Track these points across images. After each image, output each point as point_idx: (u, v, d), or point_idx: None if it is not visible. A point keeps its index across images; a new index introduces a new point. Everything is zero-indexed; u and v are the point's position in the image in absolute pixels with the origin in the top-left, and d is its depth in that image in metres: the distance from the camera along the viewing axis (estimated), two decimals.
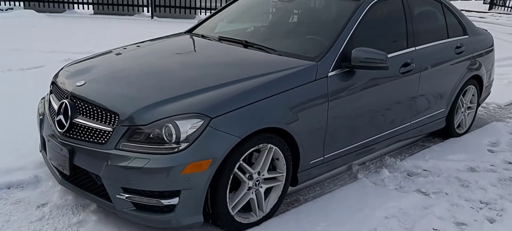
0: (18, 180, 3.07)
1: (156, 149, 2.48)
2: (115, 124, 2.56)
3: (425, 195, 3.38)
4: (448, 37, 4.24)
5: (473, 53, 4.45)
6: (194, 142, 2.48)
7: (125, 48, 3.67)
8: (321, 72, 3.06)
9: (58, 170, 2.84)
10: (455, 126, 4.54)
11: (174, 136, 2.47)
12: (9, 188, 3.01)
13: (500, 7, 19.79)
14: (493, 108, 5.79)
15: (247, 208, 2.82)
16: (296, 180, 3.06)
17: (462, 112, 4.59)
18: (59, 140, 2.75)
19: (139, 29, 9.74)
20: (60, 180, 2.82)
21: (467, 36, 4.46)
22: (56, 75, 3.24)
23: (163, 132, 2.49)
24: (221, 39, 3.67)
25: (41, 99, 3.39)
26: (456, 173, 3.78)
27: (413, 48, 3.78)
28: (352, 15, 3.39)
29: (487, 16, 17.85)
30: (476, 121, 5.03)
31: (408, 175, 3.70)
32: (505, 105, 5.92)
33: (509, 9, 19.25)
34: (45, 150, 3.10)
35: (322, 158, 3.18)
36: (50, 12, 11.73)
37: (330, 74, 3.10)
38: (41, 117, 3.14)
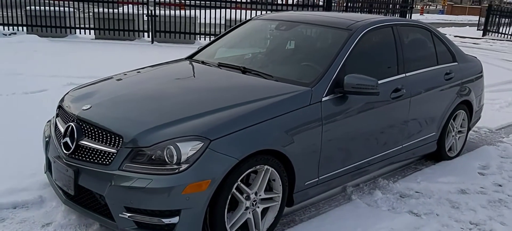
0: (23, 200, 3.18)
1: (158, 170, 2.61)
2: (119, 145, 2.70)
3: (417, 215, 3.50)
4: (438, 64, 4.42)
5: (462, 79, 4.62)
6: (194, 163, 2.61)
7: (126, 74, 3.83)
8: (315, 97, 3.21)
9: (62, 190, 2.96)
10: (447, 149, 4.68)
11: (175, 157, 2.60)
12: (14, 208, 3.12)
13: (493, 33, 20.18)
14: (485, 132, 5.94)
15: (244, 227, 2.93)
16: (292, 200, 3.18)
17: (453, 136, 4.74)
18: (65, 161, 2.87)
19: (140, 54, 9.95)
20: (65, 200, 2.93)
21: (456, 63, 4.64)
22: (62, 100, 3.39)
23: (165, 153, 2.62)
24: (220, 65, 3.83)
25: (47, 122, 3.53)
26: (447, 194, 3.90)
27: (404, 75, 3.94)
28: (345, 43, 3.57)
29: (481, 42, 18.21)
30: (467, 144, 5.17)
31: (401, 196, 3.82)
32: (496, 130, 6.07)
33: (502, 35, 19.63)
34: (50, 171, 3.22)
35: (317, 179, 3.31)
36: (53, 37, 11.95)
37: (324, 99, 3.25)
38: (47, 139, 3.27)
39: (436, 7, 68.27)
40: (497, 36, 19.72)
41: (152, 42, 12.20)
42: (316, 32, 4.10)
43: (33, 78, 7.00)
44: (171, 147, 2.62)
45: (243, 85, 3.39)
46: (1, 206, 3.10)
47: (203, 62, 4.01)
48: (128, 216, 2.61)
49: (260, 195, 2.94)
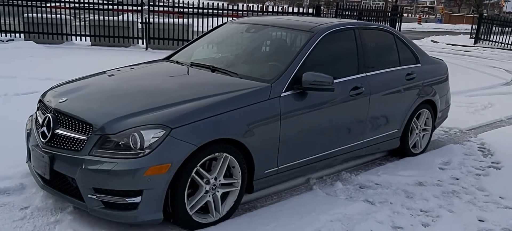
0: (5, 187, 3.46)
1: (123, 155, 2.89)
2: (90, 133, 2.99)
3: (371, 203, 3.77)
4: (400, 65, 4.71)
5: (425, 80, 4.91)
6: (156, 149, 2.89)
7: (105, 72, 4.13)
8: (274, 92, 3.50)
9: (40, 176, 3.25)
10: (410, 146, 4.95)
11: (138, 143, 2.89)
12: None
13: (484, 42, 20.48)
14: (454, 132, 6.21)
15: (206, 209, 3.21)
16: (252, 187, 3.46)
17: (417, 133, 5.01)
18: (42, 148, 3.16)
19: (134, 60, 10.15)
20: (42, 184, 3.22)
21: (419, 65, 4.93)
22: (44, 95, 3.69)
23: (130, 140, 2.91)
24: (192, 64, 4.13)
25: (29, 117, 3.83)
26: (404, 186, 4.17)
27: (364, 74, 4.23)
28: (306, 44, 3.87)
29: (472, 50, 18.53)
30: (434, 143, 5.45)
31: (360, 187, 4.09)
32: (466, 130, 6.34)
33: (493, 43, 19.92)
34: (30, 160, 3.51)
35: (277, 168, 3.58)
36: (49, 43, 12.29)
37: (283, 94, 3.54)
38: (28, 131, 3.57)
39: (436, 16, 68.73)
40: (488, 44, 20.03)
41: (147, 49, 12.53)
42: (283, 34, 4.40)
43: (26, 81, 7.30)
44: (136, 134, 2.91)
45: (209, 82, 3.68)
46: None
47: (177, 62, 4.32)
48: (96, 197, 2.89)
49: (219, 180, 3.22)
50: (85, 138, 3.00)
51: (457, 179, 4.45)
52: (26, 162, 3.62)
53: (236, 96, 3.35)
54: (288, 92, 3.58)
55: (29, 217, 3.12)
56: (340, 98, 3.96)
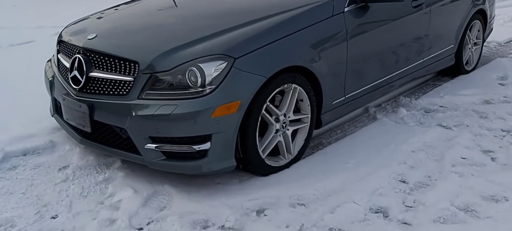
0: (33, 146, 2.95)
1: (182, 95, 2.38)
2: (136, 73, 2.45)
3: (447, 128, 3.35)
4: None
5: None
6: (220, 84, 2.39)
7: (119, 8, 3.50)
8: (337, 7, 2.97)
9: (76, 129, 2.73)
10: (464, 62, 4.51)
11: (199, 80, 2.37)
12: (25, 155, 2.89)
13: None
14: (494, 46, 5.77)
15: (274, 152, 2.75)
16: (320, 122, 3.00)
17: (469, 48, 4.56)
18: (76, 97, 2.63)
19: None
20: (80, 139, 2.71)
21: None
22: (61, 35, 3.09)
23: (187, 76, 2.39)
24: None
25: (47, 61, 3.25)
26: (472, 106, 3.75)
27: None
28: None
29: None
30: (481, 58, 5.01)
31: (426, 111, 3.67)
32: (505, 43, 5.91)
33: None
34: (58, 112, 2.98)
35: (344, 97, 3.12)
36: None
37: (346, 9, 3.01)
38: (50, 79, 3.01)
39: None
40: None
41: None
42: None
43: (17, 31, 6.61)
44: (193, 68, 2.38)
45: (261, 2, 3.11)
46: (10, 154, 2.87)
47: None
48: (155, 147, 2.41)
49: (289, 117, 2.75)
50: (130, 79, 2.47)
51: None
52: (52, 116, 3.08)
53: (298, 15, 2.82)
54: (351, 6, 3.05)
55: (73, 178, 2.63)
56: (402, 11, 3.45)
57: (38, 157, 2.87)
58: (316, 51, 2.79)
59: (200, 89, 2.38)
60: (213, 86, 2.38)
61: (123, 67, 2.51)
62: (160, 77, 2.42)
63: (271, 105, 2.61)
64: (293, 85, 2.69)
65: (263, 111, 2.56)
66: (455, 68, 4.46)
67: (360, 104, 3.36)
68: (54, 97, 2.96)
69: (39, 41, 5.93)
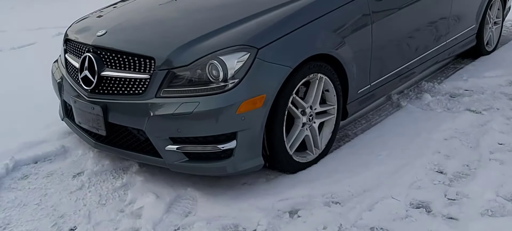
0: (44, 152, 2.79)
1: (203, 91, 2.21)
2: (152, 69, 2.28)
3: (477, 113, 3.19)
4: None
5: None
6: (244, 78, 2.21)
7: (117, 5, 3.29)
8: None
9: (90, 133, 2.57)
10: (485, 43, 4.33)
11: (221, 74, 2.20)
12: (36, 162, 2.73)
13: None
14: (510, 24, 5.58)
15: (301, 147, 2.58)
16: (346, 112, 2.83)
17: (489, 28, 4.37)
18: (88, 98, 2.46)
19: None
20: (94, 143, 2.54)
21: None
22: (67, 33, 2.92)
23: (207, 70, 2.22)
24: None
25: (54, 62, 3.08)
26: (499, 88, 3.58)
27: None
28: None
29: None
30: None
31: (451, 96, 3.50)
32: None
33: None
34: (68, 116, 2.82)
35: (369, 86, 2.95)
36: None
37: None
38: (59, 80, 2.83)
39: None
40: None
41: None
42: None
43: (18, 33, 6.40)
44: (214, 61, 2.21)
45: None
46: (21, 163, 2.71)
47: None
48: (177, 148, 2.24)
49: (315, 109, 2.58)
50: (146, 76, 2.30)
51: None
52: (62, 119, 2.91)
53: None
54: None
55: (89, 185, 2.46)
56: None
57: (50, 164, 2.71)
58: (340, 37, 2.62)
59: (222, 84, 2.20)
60: (236, 80, 2.21)
61: (137, 65, 2.33)
62: (178, 73, 2.25)
63: (297, 98, 2.43)
64: (319, 75, 2.52)
65: (289, 104, 2.39)
66: (476, 50, 4.28)
67: (385, 92, 3.19)
68: (64, 100, 2.79)
69: (40, 43, 5.75)
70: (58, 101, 2.95)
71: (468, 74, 3.89)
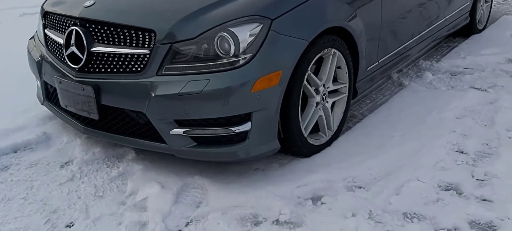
0: (24, 140, 2.47)
1: (212, 67, 1.97)
2: (152, 44, 2.02)
3: (482, 90, 3.09)
4: None
5: None
6: (258, 52, 1.99)
7: None
8: None
9: (79, 117, 2.28)
10: (476, 21, 4.26)
11: (232, 48, 1.97)
12: (15, 152, 2.41)
13: None
14: (494, 4, 5.56)
15: (312, 130, 2.39)
16: (355, 91, 2.65)
17: (481, 6, 4.30)
18: (76, 78, 2.17)
19: None
20: (84, 128, 2.26)
21: None
22: (44, 6, 2.58)
23: (216, 44, 1.98)
24: None
25: (30, 39, 2.74)
26: (498, 66, 3.52)
27: None
28: None
29: None
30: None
31: (452, 74, 3.40)
32: (503, 0, 5.72)
33: None
34: (49, 99, 2.51)
35: (377, 63, 2.79)
36: None
37: None
38: (37, 59, 2.51)
39: None
40: None
41: None
42: None
43: None
44: (224, 34, 1.97)
45: None
46: None
47: None
48: (183, 132, 2.00)
49: (328, 87, 2.39)
50: (146, 51, 2.03)
51: None
52: (42, 103, 2.60)
53: None
54: None
55: (80, 176, 2.18)
56: None
57: (32, 153, 2.40)
58: (353, 9, 2.43)
59: (234, 59, 1.97)
60: (249, 55, 1.98)
61: (135, 38, 2.06)
62: (182, 48, 2.00)
63: (312, 75, 2.23)
64: (333, 50, 2.32)
65: (305, 81, 2.19)
66: (469, 28, 4.20)
67: (389, 70, 3.04)
68: (45, 81, 2.48)
69: (4, 23, 5.28)
70: (36, 83, 2.64)
71: (465, 52, 3.80)
